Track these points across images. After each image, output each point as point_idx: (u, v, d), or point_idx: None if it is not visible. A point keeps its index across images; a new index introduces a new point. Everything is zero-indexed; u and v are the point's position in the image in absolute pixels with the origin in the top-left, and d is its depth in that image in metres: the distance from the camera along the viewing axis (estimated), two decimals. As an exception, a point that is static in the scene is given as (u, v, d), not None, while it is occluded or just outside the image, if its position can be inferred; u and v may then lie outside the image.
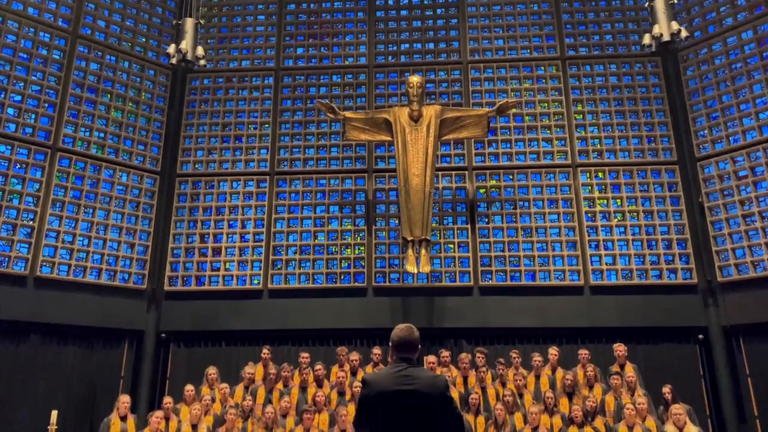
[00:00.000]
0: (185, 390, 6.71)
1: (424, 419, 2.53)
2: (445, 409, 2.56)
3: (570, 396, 6.32)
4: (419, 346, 2.73)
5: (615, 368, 6.73)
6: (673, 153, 8.56)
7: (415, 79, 8.16)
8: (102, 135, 8.61)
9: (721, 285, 7.85)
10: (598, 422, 6.02)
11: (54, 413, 6.71)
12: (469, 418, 6.10)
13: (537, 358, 6.84)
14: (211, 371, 7.02)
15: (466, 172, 8.77)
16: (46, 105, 8.23)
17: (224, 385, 6.85)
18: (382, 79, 9.34)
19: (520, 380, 6.63)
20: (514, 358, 6.97)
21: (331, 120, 8.90)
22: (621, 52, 9.15)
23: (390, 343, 2.73)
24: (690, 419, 5.87)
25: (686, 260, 8.12)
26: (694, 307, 7.87)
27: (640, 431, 5.80)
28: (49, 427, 6.63)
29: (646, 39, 7.62)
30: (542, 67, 9.23)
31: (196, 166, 9.11)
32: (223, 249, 8.67)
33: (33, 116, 8.10)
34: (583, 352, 6.90)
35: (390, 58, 9.49)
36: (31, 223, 7.81)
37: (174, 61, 8.08)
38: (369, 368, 6.99)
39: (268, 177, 8.91)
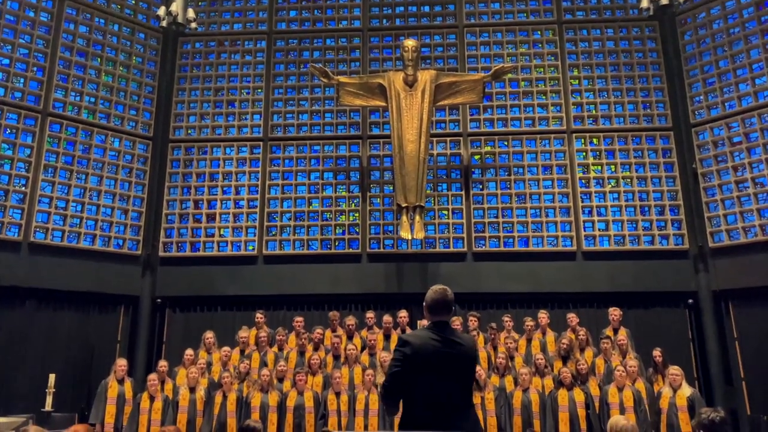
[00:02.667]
0: (185, 354, 6.79)
1: (465, 380, 2.54)
2: (474, 368, 2.60)
3: (565, 359, 6.42)
4: (453, 307, 2.69)
5: (608, 332, 6.83)
6: (668, 119, 8.52)
7: (410, 43, 8.04)
8: (93, 100, 8.49)
9: (712, 251, 7.93)
10: (592, 383, 6.14)
11: (52, 377, 6.80)
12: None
13: (529, 322, 6.93)
14: (209, 335, 7.09)
15: (461, 138, 8.73)
16: (35, 69, 8.09)
17: (226, 348, 6.91)
18: (376, 43, 9.20)
19: (511, 343, 6.73)
20: (506, 322, 7.07)
21: (324, 85, 8.79)
22: (618, 16, 9.02)
23: (424, 305, 2.68)
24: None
25: (678, 226, 8.17)
26: (685, 273, 7.96)
27: (630, 393, 5.92)
28: (47, 390, 6.73)
29: (644, 2, 7.50)
30: (539, 32, 9.11)
31: (189, 131, 9.03)
32: (217, 215, 8.67)
33: (22, 80, 7.97)
34: (572, 316, 6.99)
35: (385, 21, 9.34)
36: (23, 189, 7.76)
37: (164, 23, 7.93)
38: (364, 332, 7.08)
39: (261, 143, 8.84)
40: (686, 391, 5.87)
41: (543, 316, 6.99)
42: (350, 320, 7.13)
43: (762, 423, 6.78)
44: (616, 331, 6.83)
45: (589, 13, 9.12)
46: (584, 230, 8.26)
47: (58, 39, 8.33)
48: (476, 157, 8.68)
